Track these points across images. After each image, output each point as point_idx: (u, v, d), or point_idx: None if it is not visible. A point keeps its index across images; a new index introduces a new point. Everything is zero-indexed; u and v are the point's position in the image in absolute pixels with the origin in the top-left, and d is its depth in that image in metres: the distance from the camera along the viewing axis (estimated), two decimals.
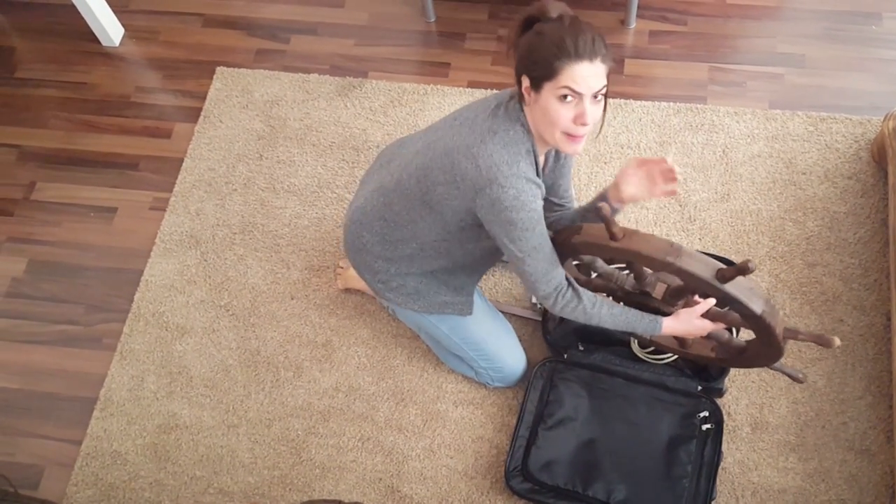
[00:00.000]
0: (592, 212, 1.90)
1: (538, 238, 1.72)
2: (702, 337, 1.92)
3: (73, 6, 2.82)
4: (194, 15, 3.02)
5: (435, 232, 1.87)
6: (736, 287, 1.66)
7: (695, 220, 2.45)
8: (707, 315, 1.83)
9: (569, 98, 1.59)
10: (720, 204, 2.47)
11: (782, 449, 2.14)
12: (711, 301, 1.82)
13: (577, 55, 1.56)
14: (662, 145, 2.58)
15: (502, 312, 2.28)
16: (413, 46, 2.89)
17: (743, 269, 1.59)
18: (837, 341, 1.68)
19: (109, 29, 2.91)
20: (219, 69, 2.87)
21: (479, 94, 2.72)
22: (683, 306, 1.87)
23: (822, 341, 1.70)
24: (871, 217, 2.41)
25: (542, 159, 1.78)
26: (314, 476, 2.20)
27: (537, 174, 1.74)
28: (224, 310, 2.43)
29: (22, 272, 2.56)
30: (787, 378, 2.20)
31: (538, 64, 1.59)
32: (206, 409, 2.30)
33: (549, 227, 2.08)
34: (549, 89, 1.60)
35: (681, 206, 2.47)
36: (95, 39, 2.97)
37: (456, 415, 2.24)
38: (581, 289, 1.82)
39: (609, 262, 2.03)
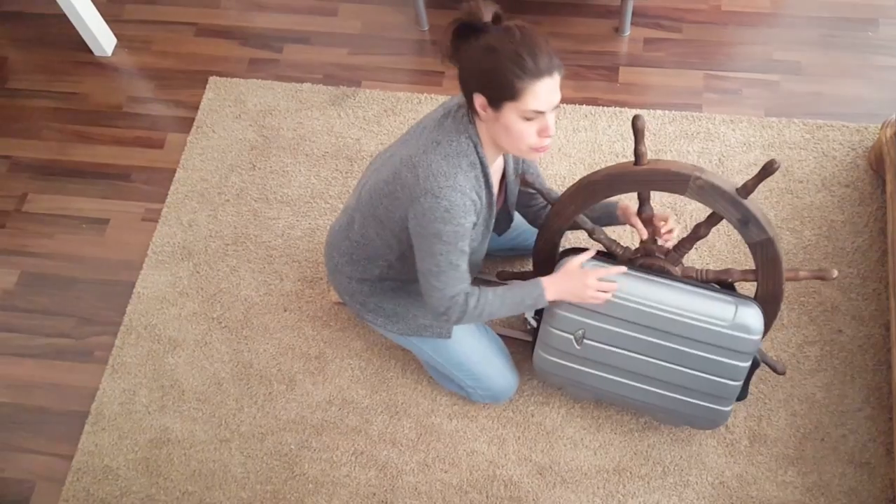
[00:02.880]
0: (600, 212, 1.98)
1: (458, 255, 1.73)
2: None
3: (65, 16, 2.81)
4: (187, 24, 3.00)
5: (392, 249, 1.86)
6: (754, 205, 1.69)
7: (690, 230, 2.42)
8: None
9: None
10: None
11: (781, 462, 2.11)
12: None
13: (539, 73, 1.54)
14: (658, 154, 2.55)
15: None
16: (407, 55, 2.87)
17: (768, 171, 1.61)
18: (835, 272, 1.75)
19: (101, 38, 2.89)
20: (211, 79, 2.85)
21: None
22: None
23: (822, 275, 1.76)
24: (868, 226, 2.39)
25: (495, 167, 1.78)
26: (307, 491, 2.17)
27: (487, 185, 1.74)
28: (216, 322, 2.41)
29: (13, 284, 2.54)
30: (784, 391, 2.18)
31: (497, 84, 1.56)
32: (199, 423, 2.28)
33: (535, 219, 2.09)
34: (511, 109, 1.58)
35: (677, 214, 2.45)
36: (87, 49, 2.95)
37: (450, 428, 2.22)
38: (471, 289, 1.79)
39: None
